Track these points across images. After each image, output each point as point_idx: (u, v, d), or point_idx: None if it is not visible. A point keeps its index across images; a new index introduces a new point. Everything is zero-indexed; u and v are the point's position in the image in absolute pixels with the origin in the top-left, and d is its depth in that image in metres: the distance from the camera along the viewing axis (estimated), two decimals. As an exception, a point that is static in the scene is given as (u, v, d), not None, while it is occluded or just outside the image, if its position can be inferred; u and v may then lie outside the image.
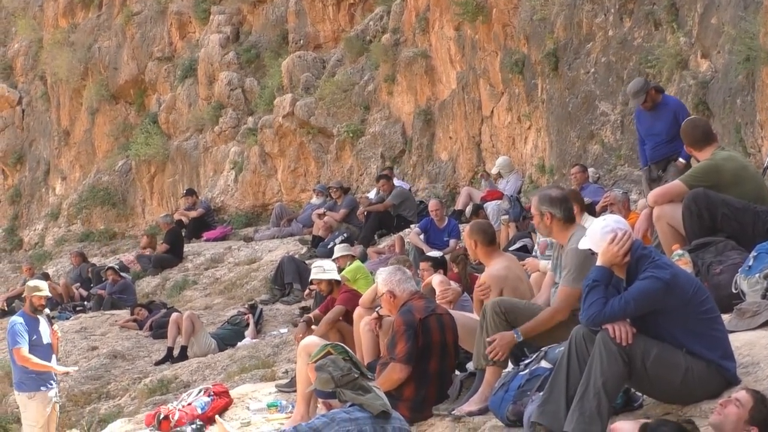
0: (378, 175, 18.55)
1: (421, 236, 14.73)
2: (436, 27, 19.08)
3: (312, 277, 10.35)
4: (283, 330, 14.37)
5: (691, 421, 5.14)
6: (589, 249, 5.79)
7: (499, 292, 7.31)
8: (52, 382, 10.81)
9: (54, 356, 10.90)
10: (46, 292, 11.01)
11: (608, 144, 14.32)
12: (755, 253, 6.79)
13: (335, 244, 15.32)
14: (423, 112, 19.39)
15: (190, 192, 22.25)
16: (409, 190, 18.30)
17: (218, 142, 23.55)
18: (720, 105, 11.52)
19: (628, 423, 5.16)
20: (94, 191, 25.80)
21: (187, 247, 20.45)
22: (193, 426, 8.79)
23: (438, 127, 19.16)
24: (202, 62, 24.13)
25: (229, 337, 14.42)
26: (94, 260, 22.16)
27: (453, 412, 6.90)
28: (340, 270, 11.38)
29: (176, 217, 21.59)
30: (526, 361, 6.49)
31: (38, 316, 10.77)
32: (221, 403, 9.39)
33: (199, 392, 9.53)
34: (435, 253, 11.32)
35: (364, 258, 14.78)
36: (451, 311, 7.81)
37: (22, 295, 13.57)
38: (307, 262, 16.07)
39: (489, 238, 7.70)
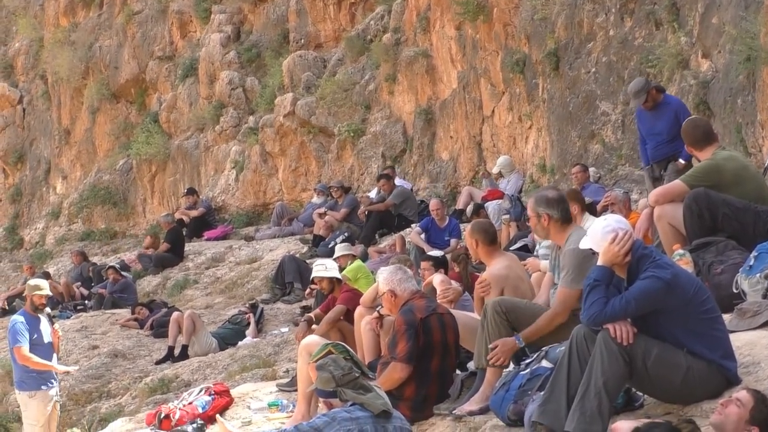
0: (378, 174, 18.55)
1: (422, 236, 14.74)
2: (437, 26, 19.09)
3: (314, 275, 10.36)
4: (284, 329, 14.37)
5: (692, 420, 5.14)
6: (590, 249, 5.79)
7: (500, 292, 7.32)
8: (52, 381, 10.81)
9: (55, 355, 10.90)
10: (47, 291, 11.00)
11: (609, 144, 14.32)
12: (756, 253, 6.79)
13: (336, 244, 15.33)
14: (424, 112, 19.40)
15: (191, 191, 22.25)
16: (411, 189, 18.30)
17: (219, 142, 23.55)
18: (721, 105, 11.52)
19: (628, 423, 5.16)
20: (94, 190, 25.81)
21: (188, 247, 20.46)
22: (194, 425, 8.78)
23: (439, 126, 19.17)
24: (203, 61, 24.13)
25: (229, 337, 14.43)
26: (94, 259, 22.18)
27: (454, 412, 6.90)
28: (341, 269, 11.38)
29: (177, 216, 21.59)
30: (527, 361, 6.49)
31: (39, 315, 10.76)
32: (222, 402, 9.39)
33: (200, 391, 9.53)
34: (436, 253, 11.32)
35: (365, 257, 14.78)
36: (452, 311, 7.80)
37: (23, 294, 13.59)
38: (308, 261, 16.07)
39: (490, 238, 7.70)
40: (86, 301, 18.95)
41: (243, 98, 23.34)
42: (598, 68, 14.61)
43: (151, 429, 9.14)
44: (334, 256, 13.10)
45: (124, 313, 17.06)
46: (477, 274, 9.93)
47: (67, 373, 12.33)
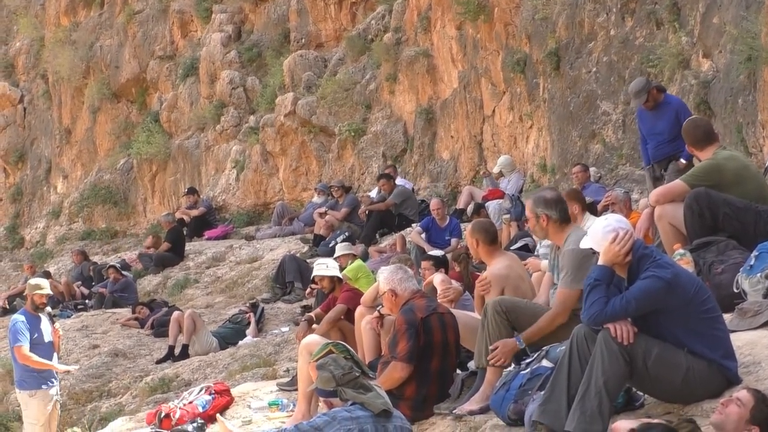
0: (379, 174, 18.55)
1: (423, 235, 14.74)
2: (438, 26, 19.08)
3: (315, 273, 10.36)
4: (285, 329, 14.38)
5: (693, 420, 5.14)
6: (590, 248, 5.80)
7: (501, 291, 7.31)
8: (53, 380, 10.81)
9: (55, 354, 10.90)
10: (48, 291, 11.00)
11: (610, 143, 14.32)
12: (757, 253, 6.79)
13: (336, 243, 15.32)
14: (424, 111, 19.40)
15: (192, 191, 22.25)
16: (412, 189, 18.29)
17: (220, 141, 23.56)
18: (721, 105, 11.52)
19: (629, 422, 5.16)
20: (95, 190, 25.82)
21: (189, 246, 20.47)
22: (194, 424, 8.78)
23: (439, 126, 19.17)
24: (204, 61, 24.13)
25: (230, 336, 14.43)
26: (95, 258, 22.19)
27: (454, 411, 6.90)
28: (341, 269, 11.38)
29: (178, 215, 21.60)
30: (528, 360, 6.49)
31: (40, 315, 10.76)
32: (222, 401, 9.39)
33: (201, 391, 9.53)
34: (436, 252, 11.32)
35: (365, 257, 14.78)
36: (453, 310, 7.80)
37: (24, 294, 13.58)
38: (308, 261, 16.07)
39: (491, 237, 7.69)
40: (87, 301, 18.97)
41: (244, 98, 23.35)
42: (598, 68, 14.61)
43: (152, 428, 9.14)
44: (335, 256, 13.09)
45: (125, 312, 17.07)
46: (478, 273, 9.93)
47: (68, 372, 12.33)
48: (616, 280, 5.57)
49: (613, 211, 9.97)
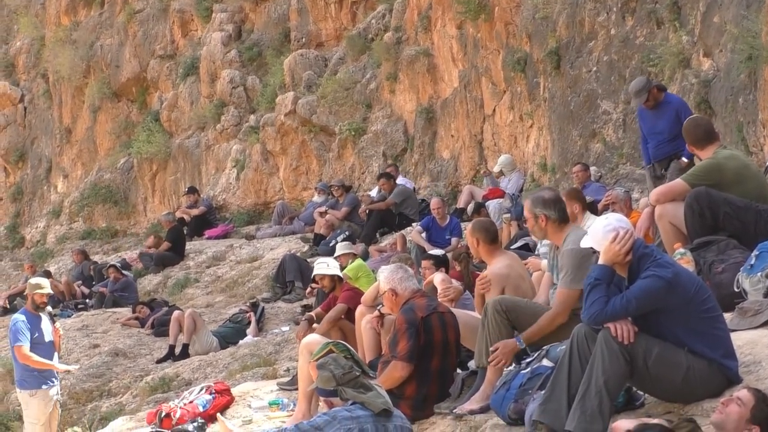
0: (379, 173, 18.55)
1: (423, 234, 14.75)
2: (438, 25, 19.08)
3: (315, 272, 10.36)
4: (285, 328, 14.38)
5: (693, 419, 5.14)
6: (589, 248, 5.79)
7: (501, 291, 7.31)
8: (53, 379, 10.80)
9: (56, 354, 10.90)
10: (48, 290, 11.00)
11: (610, 142, 14.32)
12: (757, 252, 6.79)
13: (337, 242, 15.32)
14: (425, 111, 19.40)
15: (192, 190, 22.26)
16: (413, 189, 18.30)
17: (220, 140, 23.56)
18: (722, 104, 11.51)
19: (629, 422, 5.16)
20: (95, 189, 25.83)
21: (189, 245, 20.47)
22: (195, 424, 8.78)
23: (440, 125, 19.17)
24: (204, 60, 24.14)
25: (230, 335, 14.43)
26: (95, 258, 22.19)
27: (454, 411, 6.90)
28: (341, 268, 11.38)
29: (178, 215, 21.60)
30: (528, 360, 6.49)
31: (40, 314, 10.76)
32: (223, 401, 9.39)
33: (201, 390, 9.53)
34: (437, 252, 11.33)
35: (365, 256, 14.79)
36: (453, 309, 7.80)
37: (24, 293, 13.58)
38: (308, 260, 16.08)
39: (491, 237, 7.69)
40: (87, 300, 18.97)
41: (244, 97, 23.35)
42: (599, 67, 14.60)
43: (152, 428, 9.13)
44: (335, 255, 13.09)
45: (125, 311, 17.07)
46: (478, 273, 9.93)
47: (68, 372, 12.32)
48: (617, 280, 5.57)
49: (613, 211, 9.96)
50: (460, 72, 18.59)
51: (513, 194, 15.58)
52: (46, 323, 10.75)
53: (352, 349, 6.08)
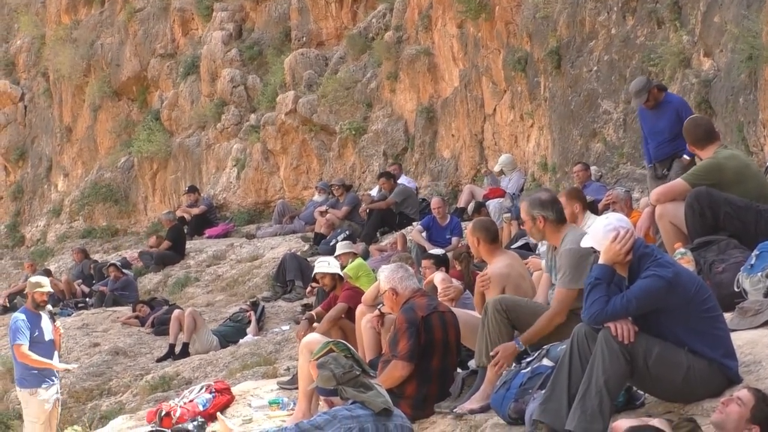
0: (379, 172, 18.56)
1: (424, 234, 14.75)
2: (439, 24, 19.08)
3: (316, 270, 10.38)
4: (285, 327, 14.38)
5: (693, 419, 5.14)
6: (588, 248, 5.80)
7: (501, 290, 7.31)
8: (53, 378, 10.81)
9: (56, 353, 10.90)
10: (48, 289, 11.00)
11: (611, 142, 14.32)
12: (757, 252, 6.79)
13: (337, 242, 15.33)
14: (425, 110, 19.39)
15: (193, 189, 22.26)
16: (416, 188, 18.30)
17: (220, 139, 23.56)
18: (722, 104, 11.51)
19: (629, 421, 5.16)
20: (96, 188, 25.82)
21: (189, 244, 20.47)
22: (195, 423, 8.78)
23: (440, 124, 19.17)
24: (205, 59, 24.13)
25: (230, 334, 14.43)
26: (96, 257, 22.19)
27: (455, 410, 6.90)
28: (342, 267, 11.39)
29: (178, 214, 21.60)
30: (528, 359, 6.49)
31: (40, 313, 10.77)
32: (223, 400, 9.39)
33: (201, 389, 9.53)
34: (437, 251, 11.33)
35: (366, 255, 14.80)
36: (453, 309, 7.80)
37: (24, 292, 13.58)
38: (309, 259, 16.09)
39: (491, 236, 7.69)
40: (87, 299, 18.98)
41: (244, 96, 23.35)
42: (599, 66, 14.60)
43: (152, 427, 9.13)
44: (336, 254, 13.10)
45: (125, 310, 17.08)
46: (478, 272, 9.93)
47: (67, 371, 12.32)
48: (617, 279, 5.57)
49: (614, 210, 9.96)
50: (460, 71, 18.59)
51: (513, 194, 15.58)
52: (46, 322, 10.76)
53: (352, 348, 6.08)
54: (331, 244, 16.13)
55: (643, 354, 5.37)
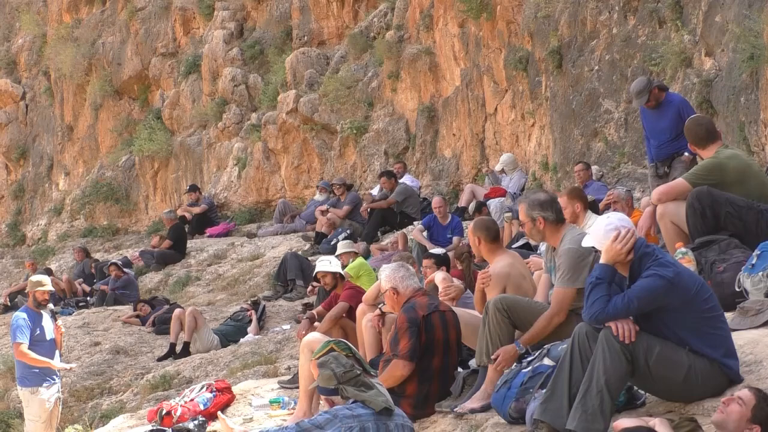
0: (380, 171, 18.56)
1: (425, 233, 14.75)
2: (440, 24, 19.08)
3: (318, 269, 10.38)
4: (286, 326, 14.38)
5: (694, 419, 5.14)
6: (587, 247, 5.79)
7: (502, 290, 7.31)
8: (54, 377, 10.80)
9: (57, 352, 10.89)
10: (49, 287, 10.99)
11: (612, 142, 14.31)
12: (758, 252, 6.79)
13: (338, 241, 15.32)
14: (427, 109, 19.39)
15: (194, 188, 22.26)
16: (419, 188, 18.30)
17: (222, 138, 23.56)
18: (724, 103, 11.50)
19: (630, 421, 5.16)
20: (97, 187, 25.83)
21: (190, 243, 20.48)
22: (196, 422, 8.78)
23: (442, 124, 19.17)
24: (206, 58, 24.14)
25: (231, 333, 14.43)
26: (97, 256, 22.21)
27: (455, 409, 6.90)
28: (343, 267, 11.40)
29: (179, 213, 21.60)
30: (529, 359, 6.49)
31: (41, 312, 10.76)
32: (223, 399, 9.39)
33: (202, 388, 9.53)
34: (438, 250, 11.32)
35: (367, 255, 14.80)
36: (454, 308, 7.80)
37: (25, 291, 13.58)
38: (310, 258, 16.09)
39: (492, 235, 7.69)
40: (88, 298, 18.99)
41: (246, 95, 23.35)
42: (601, 66, 14.60)
43: (153, 426, 9.14)
44: (337, 254, 13.11)
45: (126, 309, 17.08)
46: (479, 271, 9.93)
47: (67, 370, 12.32)
48: (618, 279, 5.57)
49: (615, 210, 9.97)
50: (461, 71, 18.59)
51: (514, 193, 15.59)
52: (47, 321, 10.75)
53: (353, 347, 6.08)
54: (332, 243, 16.13)
55: (644, 353, 5.37)
